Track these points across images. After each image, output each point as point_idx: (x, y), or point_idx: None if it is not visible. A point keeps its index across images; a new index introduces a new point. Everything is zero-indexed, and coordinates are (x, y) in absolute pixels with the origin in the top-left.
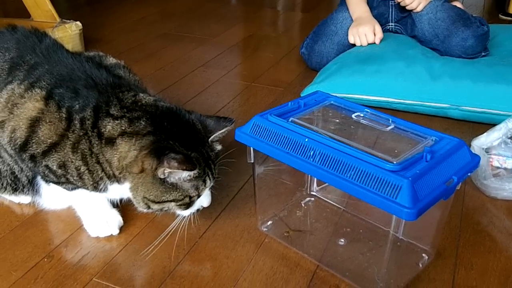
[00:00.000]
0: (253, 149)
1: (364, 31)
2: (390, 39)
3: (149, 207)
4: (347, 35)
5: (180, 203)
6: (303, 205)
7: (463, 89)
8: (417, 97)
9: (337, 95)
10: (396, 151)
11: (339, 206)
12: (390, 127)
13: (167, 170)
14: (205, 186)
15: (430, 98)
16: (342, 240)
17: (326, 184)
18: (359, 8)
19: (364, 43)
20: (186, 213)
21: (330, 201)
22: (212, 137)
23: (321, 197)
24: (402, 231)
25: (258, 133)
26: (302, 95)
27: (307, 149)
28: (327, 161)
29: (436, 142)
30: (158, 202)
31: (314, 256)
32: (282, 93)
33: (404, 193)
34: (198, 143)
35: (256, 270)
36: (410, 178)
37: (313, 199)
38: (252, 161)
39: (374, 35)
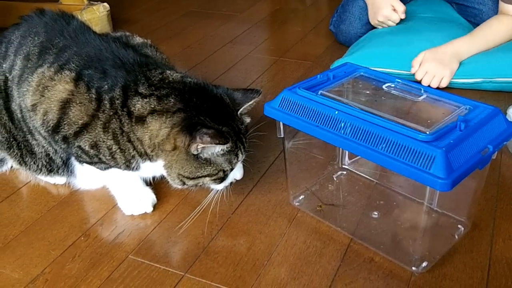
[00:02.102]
0: (283, 123)
1: (384, 18)
2: (426, 7)
3: (184, 184)
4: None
5: (214, 177)
6: (335, 178)
7: (495, 61)
8: None
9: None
10: (428, 121)
11: (371, 179)
12: (422, 97)
13: (200, 146)
14: (237, 159)
15: (462, 75)
16: (376, 213)
17: (358, 157)
18: None
19: (392, 26)
20: (220, 187)
21: (362, 174)
22: (240, 110)
23: (353, 170)
24: (436, 203)
25: (287, 107)
26: (332, 68)
27: (337, 122)
28: (358, 134)
29: (470, 110)
30: (193, 178)
31: (347, 229)
32: (311, 66)
33: (437, 163)
34: (228, 117)
35: (289, 244)
36: (443, 148)
37: (345, 172)
38: (282, 136)
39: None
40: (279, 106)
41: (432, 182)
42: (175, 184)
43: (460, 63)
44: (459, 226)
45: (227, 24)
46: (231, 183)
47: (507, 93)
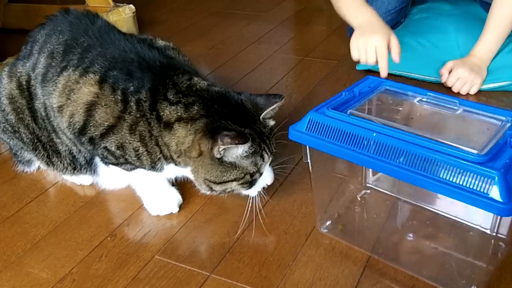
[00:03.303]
0: (309, 147)
1: (375, 43)
2: (451, 3)
3: (211, 189)
4: (394, 2)
5: (241, 181)
6: (359, 198)
7: None
8: None
9: (393, 71)
10: (475, 138)
11: (398, 196)
12: (459, 111)
13: (222, 147)
14: (263, 161)
15: (489, 80)
16: (411, 235)
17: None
18: (361, 12)
19: (372, 62)
20: (252, 192)
21: (388, 192)
22: (263, 114)
23: (378, 189)
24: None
25: (316, 131)
26: (357, 68)
27: (377, 145)
28: (402, 157)
29: None
30: (220, 183)
31: (384, 256)
32: (336, 66)
33: (497, 186)
34: (249, 121)
35: (315, 245)
36: (502, 170)
37: (369, 191)
38: (308, 161)
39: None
40: (306, 129)
41: (491, 207)
42: (203, 189)
43: (488, 70)
44: (500, 243)
45: (252, 24)
46: (263, 188)
47: None
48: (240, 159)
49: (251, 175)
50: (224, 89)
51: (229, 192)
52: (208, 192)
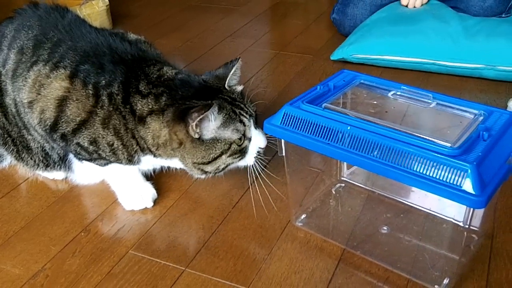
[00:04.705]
0: (285, 141)
1: None
2: None
3: (204, 171)
4: None
5: (230, 152)
6: (333, 192)
7: (498, 48)
8: (450, 58)
9: (369, 56)
10: (448, 132)
11: (372, 189)
12: (432, 104)
13: (194, 124)
14: (244, 125)
15: (464, 59)
16: (385, 227)
17: (355, 167)
18: None
19: (412, 5)
20: (249, 161)
21: (363, 186)
22: (226, 82)
23: (352, 182)
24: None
25: (291, 124)
26: (331, 58)
27: (351, 139)
28: (377, 151)
29: (485, 117)
30: (210, 162)
31: (361, 250)
32: (311, 60)
33: (470, 179)
34: (215, 93)
35: (290, 238)
36: (474, 163)
37: (343, 185)
38: (283, 155)
39: None
40: (281, 123)
41: (464, 199)
42: (196, 174)
43: (462, 47)
44: (473, 235)
45: (227, 18)
46: (258, 153)
47: (507, 84)
48: (220, 131)
49: (238, 144)
50: (187, 74)
51: (224, 169)
52: (203, 176)
